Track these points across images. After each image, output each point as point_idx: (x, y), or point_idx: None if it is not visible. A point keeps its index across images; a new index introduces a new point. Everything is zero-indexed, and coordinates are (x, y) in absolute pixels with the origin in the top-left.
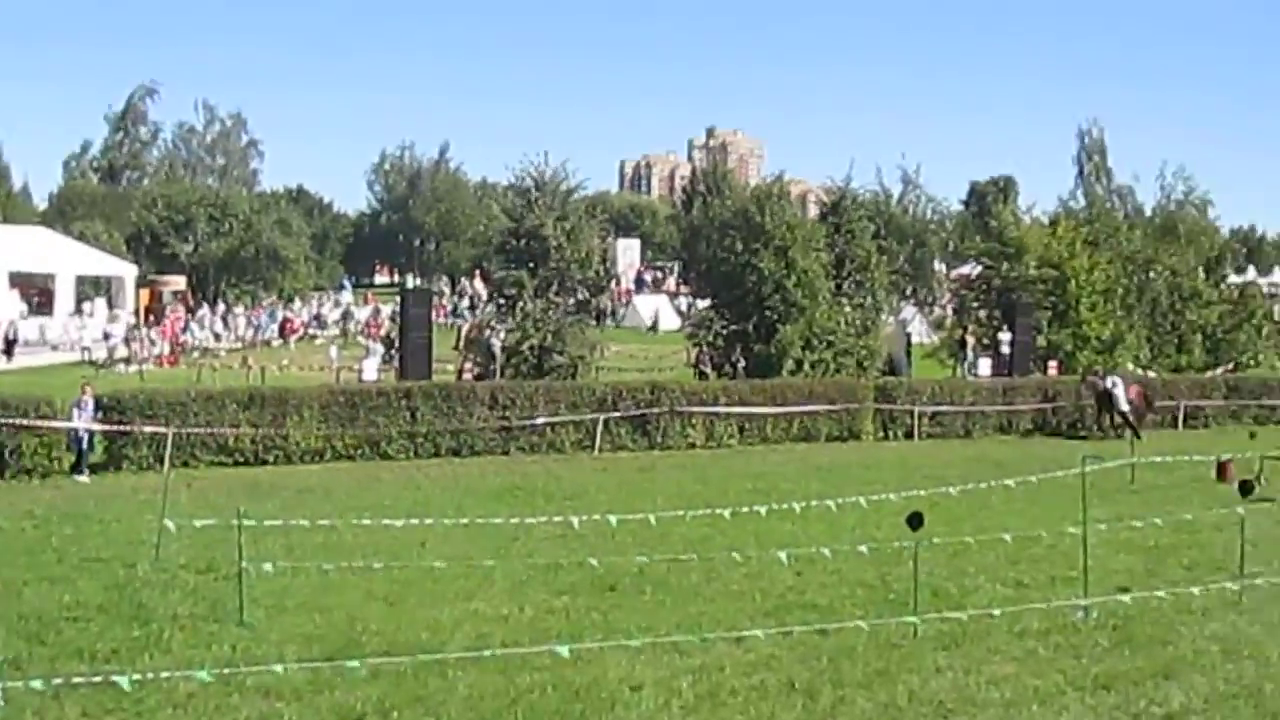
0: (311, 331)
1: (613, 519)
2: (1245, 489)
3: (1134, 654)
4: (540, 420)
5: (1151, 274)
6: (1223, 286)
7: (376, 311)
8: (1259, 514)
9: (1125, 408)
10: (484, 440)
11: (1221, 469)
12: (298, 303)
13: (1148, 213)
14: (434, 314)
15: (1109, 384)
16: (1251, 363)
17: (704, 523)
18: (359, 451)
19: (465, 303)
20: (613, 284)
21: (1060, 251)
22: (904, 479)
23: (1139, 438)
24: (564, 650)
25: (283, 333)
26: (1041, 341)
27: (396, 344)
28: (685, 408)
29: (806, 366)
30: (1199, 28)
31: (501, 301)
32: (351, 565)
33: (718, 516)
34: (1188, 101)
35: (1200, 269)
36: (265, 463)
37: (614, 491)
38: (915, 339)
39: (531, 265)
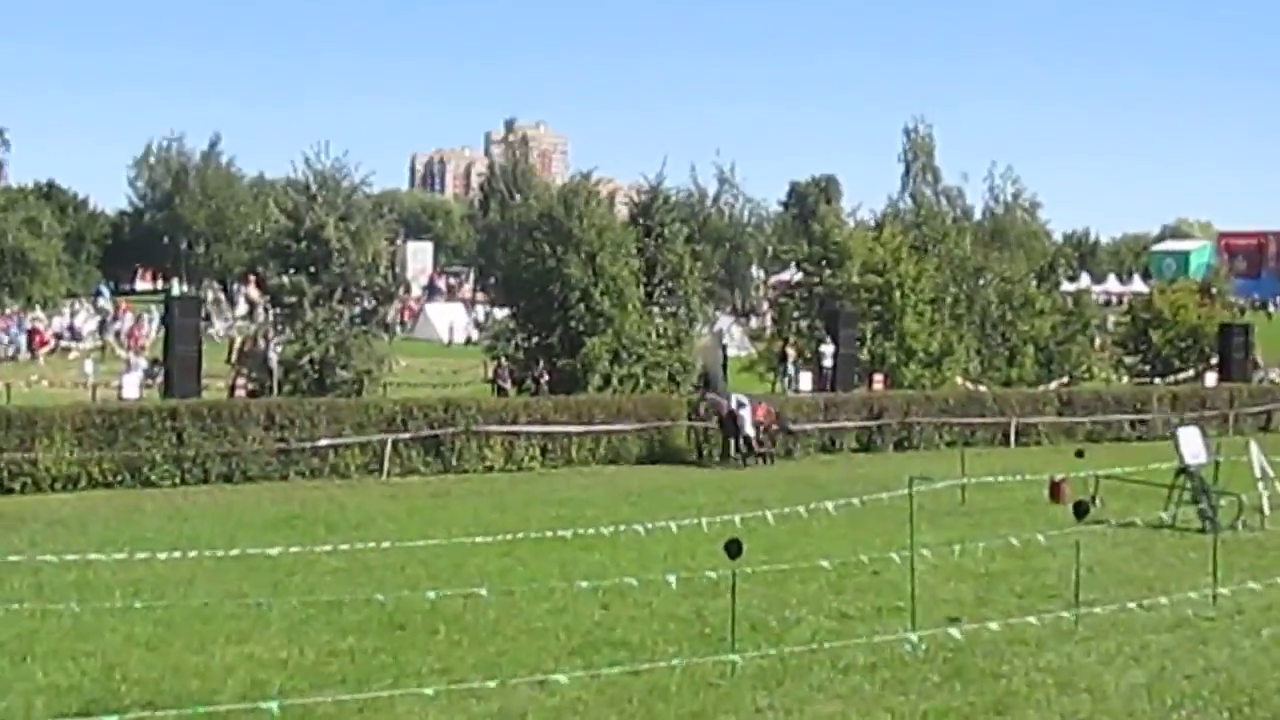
0: (64, 344)
1: (403, 549)
2: (1080, 510)
3: (965, 689)
4: (322, 442)
5: (982, 281)
6: (1056, 295)
7: (138, 321)
8: (1094, 537)
9: (750, 431)
10: (259, 464)
11: (1055, 489)
12: (48, 312)
13: (977, 215)
14: (203, 324)
15: (734, 404)
16: (1086, 376)
17: (503, 552)
18: (118, 478)
19: (239, 312)
20: (402, 291)
21: (885, 257)
22: (720, 503)
23: (769, 462)
24: (349, 697)
25: (31, 345)
26: (865, 354)
27: (161, 357)
28: (483, 427)
29: (615, 382)
30: (1028, 28)
31: (279, 310)
32: (109, 606)
33: (518, 545)
34: (1017, 103)
35: (1032, 276)
36: (11, 491)
37: (404, 520)
38: (732, 351)
39: (312, 270)
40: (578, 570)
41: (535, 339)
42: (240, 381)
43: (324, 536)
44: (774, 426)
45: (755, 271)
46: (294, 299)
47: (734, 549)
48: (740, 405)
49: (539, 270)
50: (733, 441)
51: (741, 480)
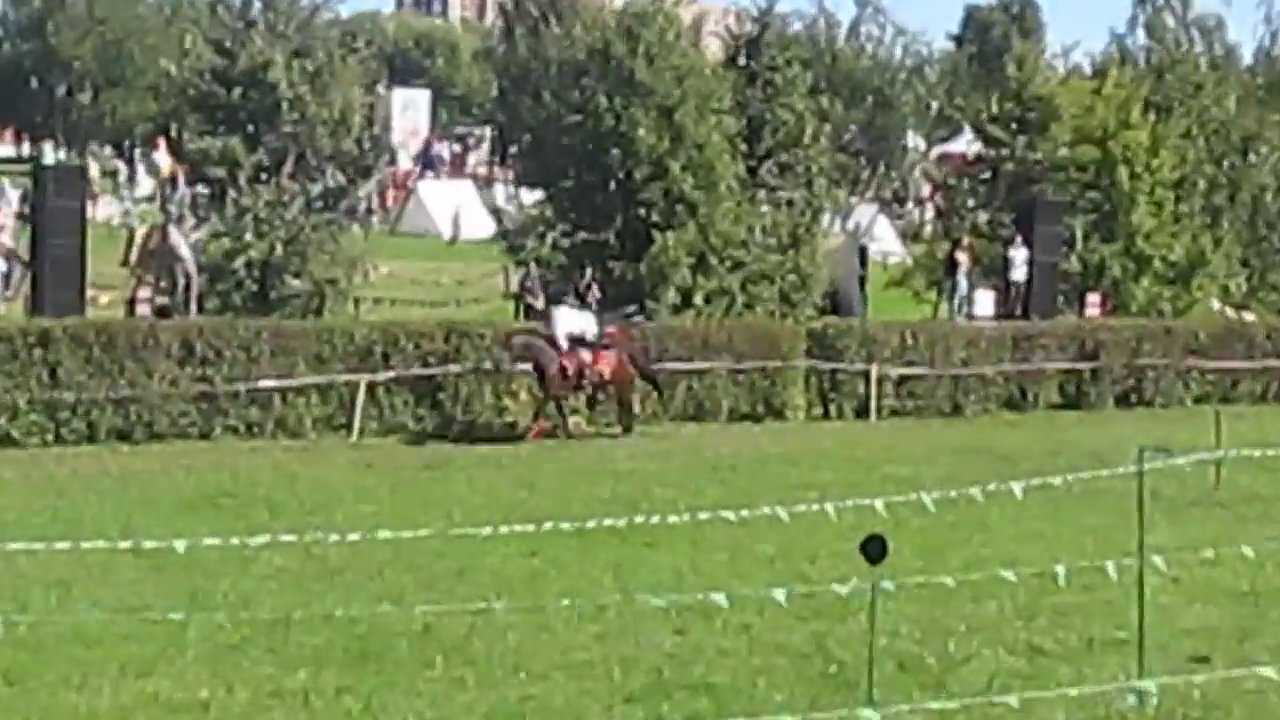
0: None
1: (381, 543)
2: None
3: None
4: (265, 383)
5: (1252, 158)
6: None
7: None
8: None
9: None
10: (171, 416)
11: None
12: None
13: (1246, 59)
14: (89, 207)
15: (556, 333)
16: None
17: (528, 550)
18: None
19: (141, 190)
20: (385, 163)
21: (1108, 120)
22: (853, 482)
23: (628, 430)
24: None
25: None
26: (1076, 264)
27: (25, 255)
28: (502, 366)
29: (699, 300)
30: None
31: (201, 189)
32: None
33: (551, 540)
34: None
35: None
36: None
37: (384, 500)
38: (875, 257)
39: (250, 130)
40: (639, 578)
41: (581, 235)
42: (143, 293)
43: (265, 523)
44: (630, 381)
45: (912, 139)
46: (223, 172)
47: (875, 550)
48: (574, 344)
49: (588, 133)
50: (558, 405)
51: (881, 447)
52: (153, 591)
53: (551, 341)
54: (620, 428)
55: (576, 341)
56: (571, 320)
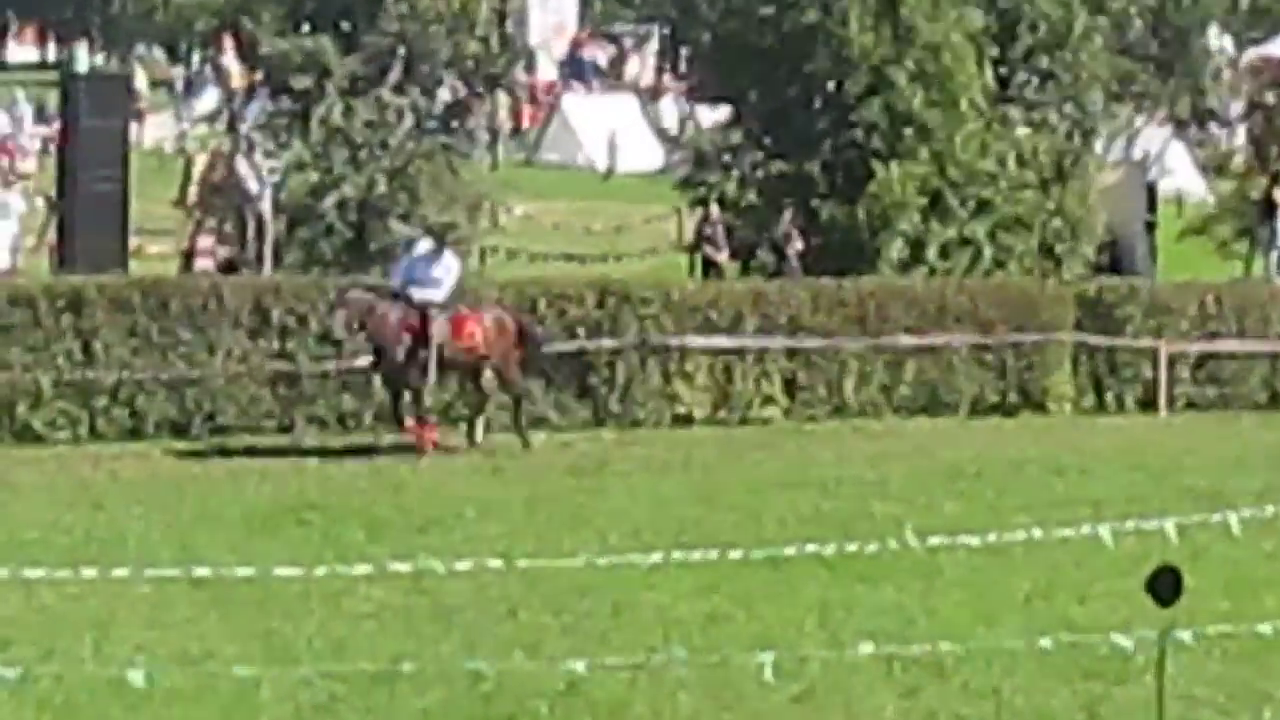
0: None
1: (512, 574)
2: None
3: None
4: (362, 361)
5: None
6: None
7: (14, 122)
8: None
9: (430, 355)
10: (239, 404)
11: None
12: None
13: None
14: (133, 129)
15: (406, 303)
16: None
17: (705, 584)
18: None
19: (202, 107)
20: (520, 70)
21: None
22: (1136, 496)
23: (526, 442)
24: None
25: None
26: None
27: (54, 194)
28: (674, 339)
29: (933, 253)
30: None
31: (279, 106)
32: None
33: (736, 571)
34: None
35: None
36: None
37: (516, 516)
38: (1167, 196)
39: (345, 28)
40: (850, 620)
41: (777, 166)
42: (204, 242)
43: (361, 546)
44: (519, 361)
45: (1216, 39)
46: (309, 82)
47: (1165, 588)
48: (427, 308)
49: (786, 31)
50: (413, 374)
51: (1174, 450)
52: (215, 635)
53: (409, 301)
54: (520, 439)
55: (428, 306)
56: (428, 266)
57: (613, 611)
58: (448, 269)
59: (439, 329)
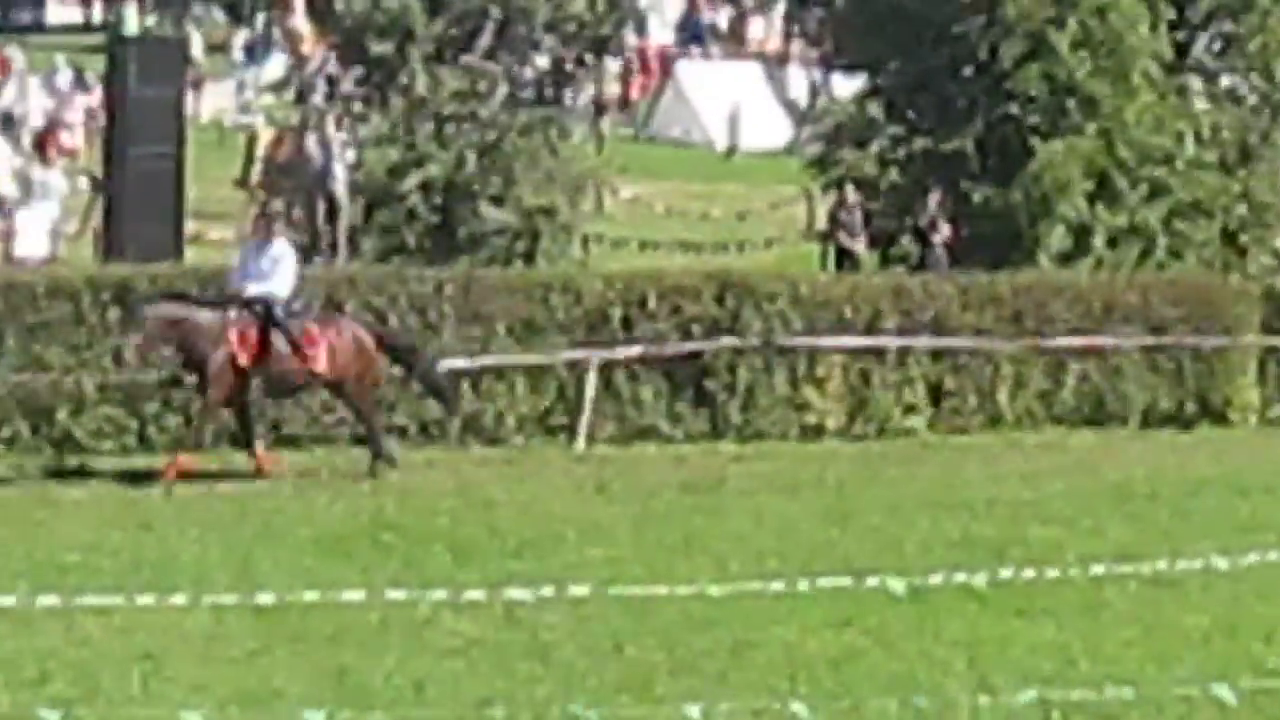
0: None
1: (619, 601)
2: None
3: None
4: (449, 364)
5: None
6: None
7: (56, 94)
8: None
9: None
10: (308, 411)
11: None
12: None
13: None
14: (189, 98)
15: (243, 307)
16: None
17: (840, 618)
18: (4, 432)
19: (267, 74)
20: (629, 33)
21: None
22: None
23: (374, 471)
24: None
25: None
26: None
27: (100, 172)
28: (803, 339)
29: (1100, 243)
30: None
31: (354, 74)
32: None
33: (874, 603)
34: None
35: None
36: None
37: (623, 539)
38: None
39: None
40: (1003, 660)
41: (922, 143)
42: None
43: (447, 572)
44: (372, 381)
45: None
46: (390, 48)
47: None
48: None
49: None
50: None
51: None
52: (280, 672)
53: (248, 305)
54: (372, 461)
55: (269, 309)
56: (257, 257)
57: (732, 648)
58: (275, 260)
59: (279, 343)
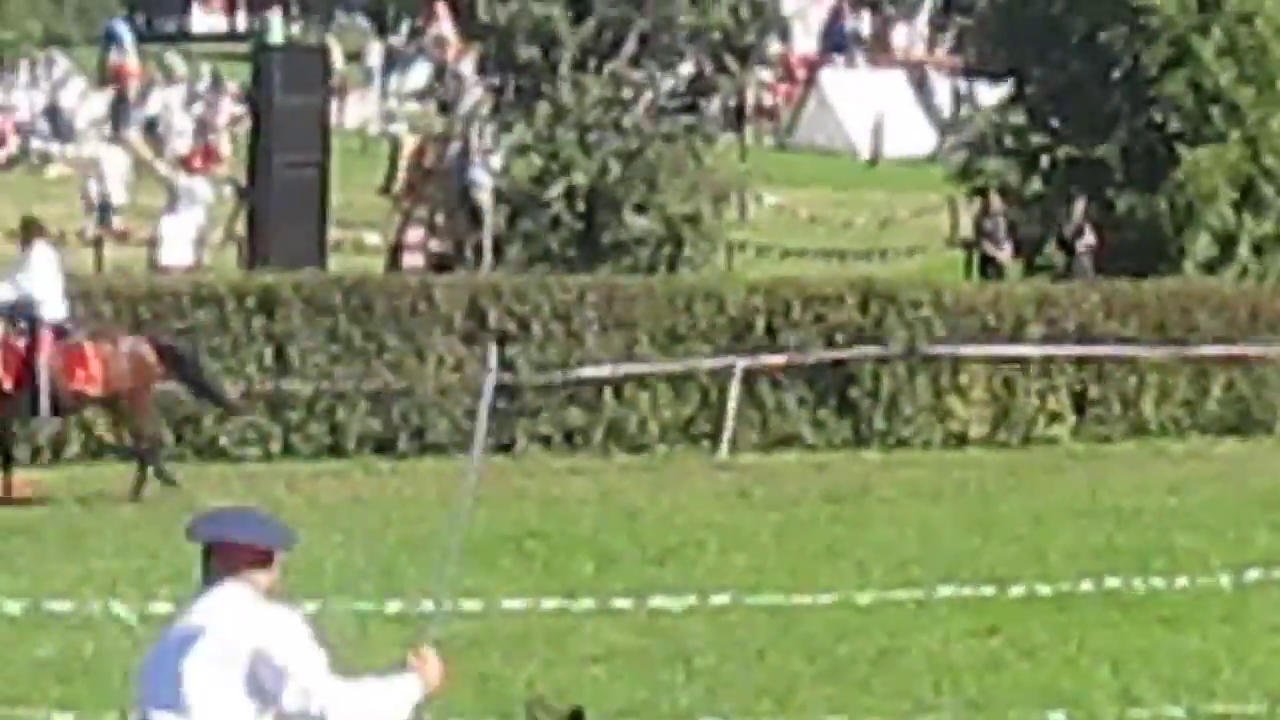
0: (38, 145)
1: (763, 610)
2: None
3: None
4: (590, 371)
5: None
6: None
7: (210, 99)
8: None
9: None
10: (452, 419)
11: None
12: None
13: None
14: (334, 107)
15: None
16: None
17: (984, 626)
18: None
19: (410, 82)
20: (773, 41)
21: None
22: None
23: (158, 474)
24: None
25: None
26: None
27: (244, 180)
28: (947, 347)
29: (1246, 251)
30: None
31: (503, 81)
32: None
33: (1018, 611)
34: None
35: None
36: None
37: (766, 547)
38: None
39: None
40: (1148, 670)
41: (1066, 150)
42: (413, 236)
43: (589, 579)
44: (145, 402)
45: None
46: (535, 55)
47: None
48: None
49: None
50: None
51: None
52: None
53: (10, 321)
54: (139, 477)
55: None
56: (26, 278)
57: (875, 656)
58: (26, 264)
59: (47, 359)
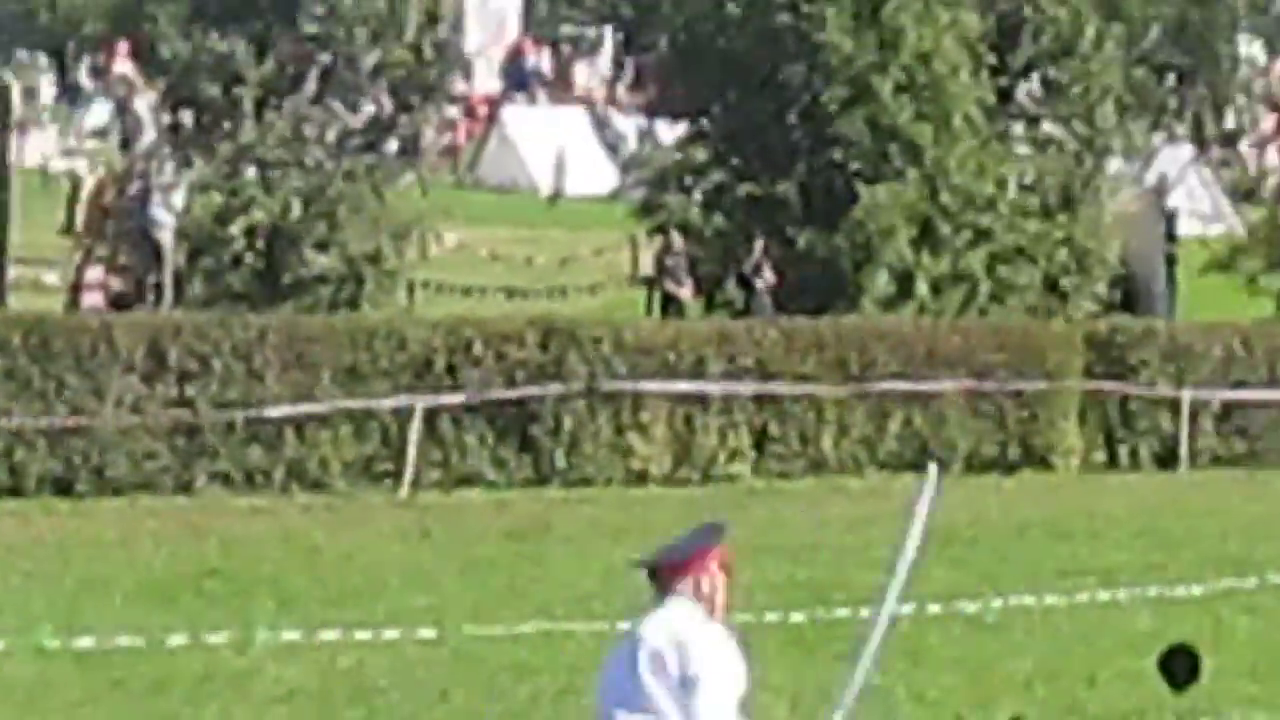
0: None
1: (437, 642)
2: None
3: None
4: (273, 412)
5: None
6: None
7: None
8: None
9: None
10: (132, 458)
11: None
12: None
13: None
14: (12, 145)
15: None
16: None
17: None
18: None
19: (91, 119)
20: (455, 80)
21: None
22: (1154, 564)
23: None
24: None
25: None
26: None
27: None
28: (628, 384)
29: (924, 288)
30: None
31: (181, 120)
32: None
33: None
34: None
35: None
36: None
37: (449, 587)
38: (1191, 228)
39: (259, 29)
40: (825, 702)
41: (747, 188)
42: (93, 274)
43: (271, 617)
44: None
45: (1245, 45)
46: (217, 92)
47: (1181, 668)
48: None
49: (756, 36)
50: None
51: (1197, 511)
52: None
53: None
54: None
55: None
56: None
57: (556, 694)
58: None
59: None
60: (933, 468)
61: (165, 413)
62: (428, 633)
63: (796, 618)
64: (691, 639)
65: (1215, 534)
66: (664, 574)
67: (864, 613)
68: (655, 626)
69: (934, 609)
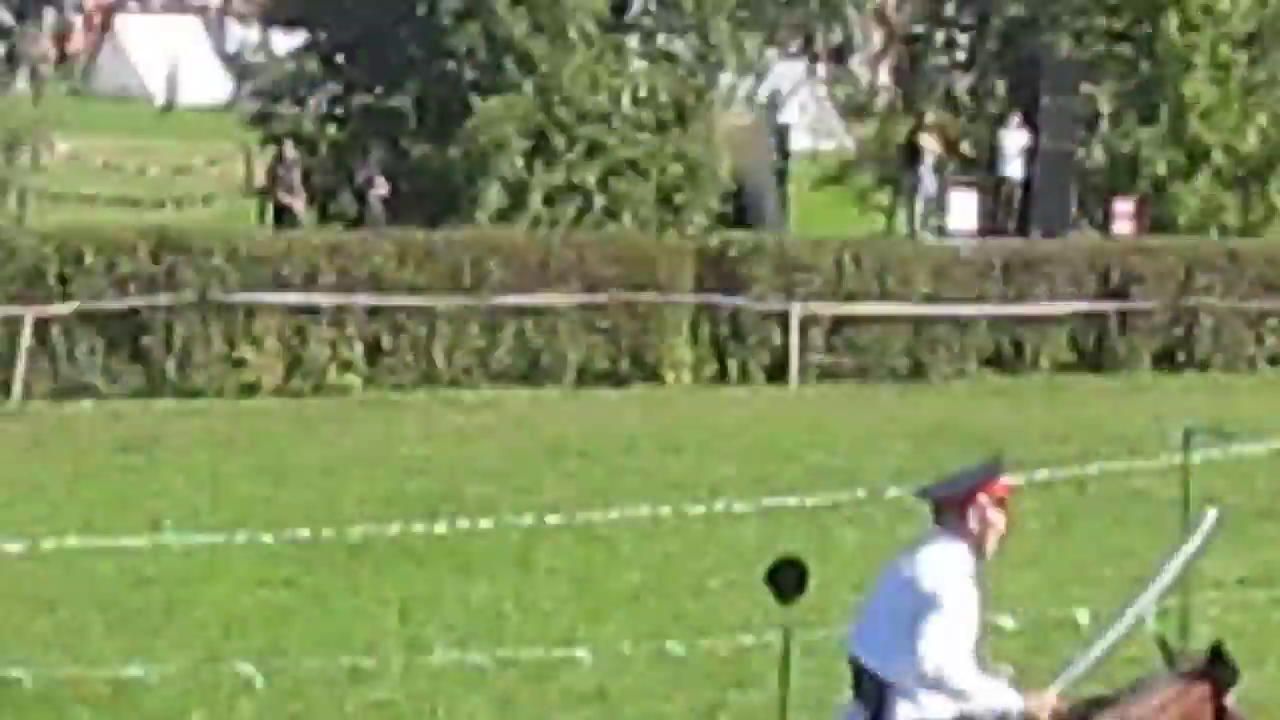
0: None
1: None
2: None
3: None
4: None
5: None
6: None
7: None
8: None
9: None
10: None
11: None
12: None
13: None
14: None
15: None
16: None
17: (272, 574)
18: None
19: None
20: None
21: None
22: (762, 476)
23: None
24: None
25: None
26: (1100, 155)
27: None
28: (240, 296)
29: (537, 201)
30: None
31: None
32: None
33: (306, 559)
34: None
35: None
36: None
37: (58, 498)
38: (804, 143)
39: None
40: (438, 617)
41: (361, 99)
42: None
43: None
44: None
45: None
46: None
47: (788, 581)
48: None
49: None
50: None
51: (804, 425)
52: None
53: None
54: None
55: None
56: None
57: (166, 605)
58: None
59: None
60: (1212, 513)
61: None
62: (39, 544)
63: (407, 530)
64: (941, 572)
65: (823, 447)
66: (939, 507)
67: (482, 524)
68: (915, 556)
69: (548, 520)
